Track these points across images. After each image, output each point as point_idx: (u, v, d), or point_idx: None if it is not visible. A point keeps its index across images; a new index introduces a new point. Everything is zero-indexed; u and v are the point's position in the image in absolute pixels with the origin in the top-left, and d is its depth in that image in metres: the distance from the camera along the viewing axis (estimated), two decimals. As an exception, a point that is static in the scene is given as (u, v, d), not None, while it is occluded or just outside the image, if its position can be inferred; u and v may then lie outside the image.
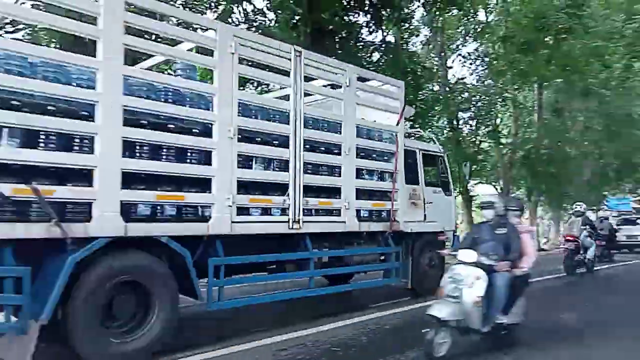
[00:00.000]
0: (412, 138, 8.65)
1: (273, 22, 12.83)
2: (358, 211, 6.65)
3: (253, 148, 5.41)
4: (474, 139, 21.23)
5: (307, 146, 5.90)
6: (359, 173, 6.67)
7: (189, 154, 4.85)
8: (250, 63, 5.61)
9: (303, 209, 5.84)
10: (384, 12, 14.52)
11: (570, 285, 10.24)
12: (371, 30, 15.38)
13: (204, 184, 4.95)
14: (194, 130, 4.89)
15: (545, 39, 16.92)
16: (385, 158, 7.19)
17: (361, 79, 6.95)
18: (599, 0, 18.89)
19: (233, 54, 5.12)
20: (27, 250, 3.82)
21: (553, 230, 30.05)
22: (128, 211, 4.36)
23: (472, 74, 21.34)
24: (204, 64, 5.34)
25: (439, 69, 19.53)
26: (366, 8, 14.15)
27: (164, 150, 4.65)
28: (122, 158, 4.28)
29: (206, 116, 4.98)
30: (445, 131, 20.79)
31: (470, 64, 20.61)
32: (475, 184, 24.49)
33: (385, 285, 7.66)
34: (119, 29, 4.23)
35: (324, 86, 7.06)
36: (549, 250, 20.68)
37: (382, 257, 7.32)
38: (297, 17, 12.39)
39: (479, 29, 17.92)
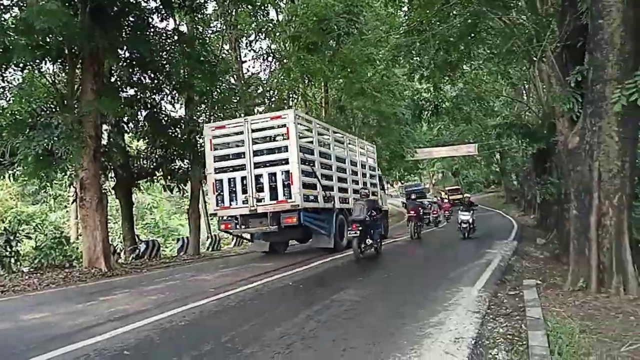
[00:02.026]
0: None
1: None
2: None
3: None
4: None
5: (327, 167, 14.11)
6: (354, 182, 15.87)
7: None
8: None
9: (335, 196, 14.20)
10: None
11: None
12: (162, 17, 14.78)
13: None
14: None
15: (329, 41, 18.72)
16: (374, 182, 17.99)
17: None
18: (370, 12, 21.74)
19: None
20: (326, 211, 13.34)
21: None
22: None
23: (265, 70, 22.29)
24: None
25: (234, 62, 19.87)
26: (154, -8, 13.55)
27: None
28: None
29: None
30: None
31: (263, 59, 21.49)
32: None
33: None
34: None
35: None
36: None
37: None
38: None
39: (270, 27, 18.79)
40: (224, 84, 17.95)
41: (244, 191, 12.28)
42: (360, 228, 11.42)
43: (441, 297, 6.98)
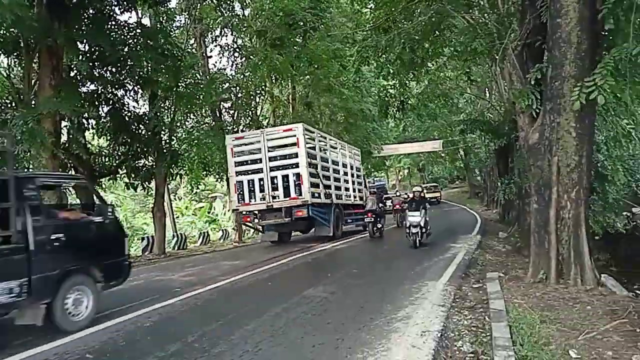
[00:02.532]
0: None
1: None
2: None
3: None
4: (236, 128, 21.96)
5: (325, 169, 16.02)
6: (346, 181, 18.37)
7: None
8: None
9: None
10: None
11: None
12: (124, 9, 14.36)
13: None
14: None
15: (295, 37, 18.63)
16: (360, 180, 20.04)
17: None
18: (336, 9, 21.76)
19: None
20: (326, 205, 15.65)
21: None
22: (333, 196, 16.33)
23: (232, 66, 21.99)
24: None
25: (199, 57, 19.53)
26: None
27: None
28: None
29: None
30: (208, 120, 20.95)
31: (229, 55, 21.19)
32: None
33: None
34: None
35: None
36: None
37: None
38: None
39: (236, 22, 18.53)
40: (189, 79, 17.62)
41: (262, 190, 14.69)
42: (374, 216, 15.77)
43: (408, 292, 7.08)
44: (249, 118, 22.20)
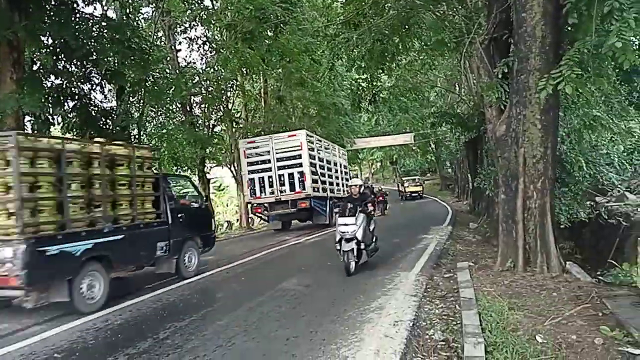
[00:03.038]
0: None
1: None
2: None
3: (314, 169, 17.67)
4: (207, 123, 21.71)
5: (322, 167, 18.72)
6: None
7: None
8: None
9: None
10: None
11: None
12: (87, 1, 13.93)
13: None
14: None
15: (266, 31, 18.45)
16: (346, 177, 22.74)
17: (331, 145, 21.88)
18: (307, 2, 21.66)
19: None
20: (323, 198, 18.22)
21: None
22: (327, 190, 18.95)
23: (202, 59, 21.66)
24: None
25: (168, 50, 19.15)
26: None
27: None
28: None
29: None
30: (178, 115, 20.62)
31: (199, 48, 20.86)
32: (212, 167, 25.20)
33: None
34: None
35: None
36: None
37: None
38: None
39: (205, 15, 18.21)
40: (158, 73, 17.26)
41: (271, 185, 17.60)
42: (383, 202, 24.36)
43: (381, 283, 7.16)
44: (220, 112, 21.94)
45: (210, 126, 22.17)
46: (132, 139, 16.77)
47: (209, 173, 23.27)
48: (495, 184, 13.16)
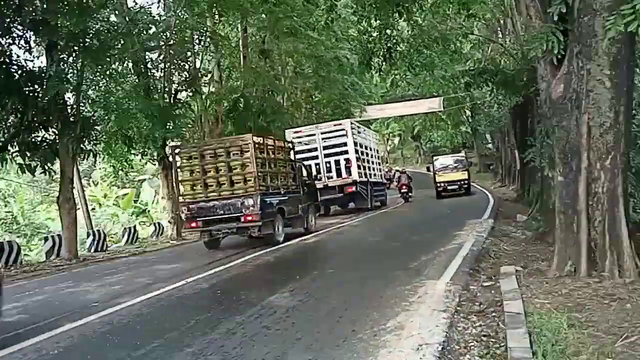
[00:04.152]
0: None
1: None
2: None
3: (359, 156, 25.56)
4: (168, 88, 21.58)
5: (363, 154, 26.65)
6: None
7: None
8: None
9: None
10: None
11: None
12: None
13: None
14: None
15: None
16: (379, 161, 32.46)
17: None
18: None
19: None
20: (365, 183, 25.52)
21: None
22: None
23: (159, 1, 21.45)
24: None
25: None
26: None
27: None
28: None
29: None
30: (129, 78, 20.50)
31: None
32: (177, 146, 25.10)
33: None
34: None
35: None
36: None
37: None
38: None
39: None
40: (99, 23, 17.12)
41: (318, 172, 23.11)
42: (408, 187, 30.33)
43: (400, 295, 7.19)
44: (186, 73, 21.83)
45: (173, 92, 22.02)
46: (69, 110, 16.73)
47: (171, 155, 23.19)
48: (550, 163, 13.14)
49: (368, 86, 38.67)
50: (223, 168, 14.32)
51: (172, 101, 21.35)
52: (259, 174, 14.11)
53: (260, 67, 25.42)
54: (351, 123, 25.39)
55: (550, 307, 6.03)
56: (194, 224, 14.61)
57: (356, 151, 24.62)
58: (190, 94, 23.15)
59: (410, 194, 31.14)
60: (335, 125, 25.22)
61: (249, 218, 13.80)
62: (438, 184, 31.01)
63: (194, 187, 14.61)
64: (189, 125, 23.72)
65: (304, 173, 18.56)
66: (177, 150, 15.59)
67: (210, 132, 23.60)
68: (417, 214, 22.11)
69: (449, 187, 30.63)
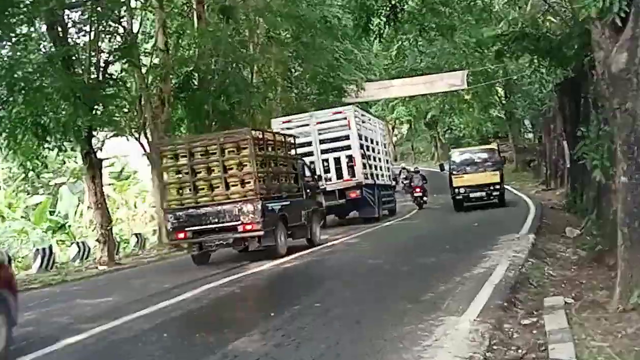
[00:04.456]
0: None
1: None
2: None
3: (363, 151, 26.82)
4: (95, 59, 21.48)
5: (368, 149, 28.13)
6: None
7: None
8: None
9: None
10: None
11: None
12: None
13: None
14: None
15: None
16: (388, 158, 34.24)
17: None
18: None
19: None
20: (371, 186, 26.68)
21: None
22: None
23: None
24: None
25: None
26: None
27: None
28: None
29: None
30: (42, 45, 20.40)
31: None
32: (105, 139, 24.91)
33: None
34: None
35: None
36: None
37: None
38: None
39: None
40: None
41: (312, 173, 22.46)
42: (422, 190, 32.04)
43: (410, 337, 7.19)
44: (119, 38, 21.72)
45: (102, 65, 21.91)
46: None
47: (100, 150, 23.11)
48: (610, 158, 13.19)
49: (366, 56, 38.65)
50: (216, 168, 15.38)
51: (100, 77, 21.25)
52: (259, 174, 15.36)
53: (220, 30, 25.33)
54: (355, 110, 26.35)
55: (612, 353, 6.05)
56: (181, 235, 15.67)
57: (361, 146, 25.44)
58: (126, 67, 23.05)
59: (425, 198, 32.56)
60: (334, 113, 25.98)
61: (249, 227, 14.87)
62: (456, 190, 28.22)
63: (181, 191, 15.72)
64: (125, 110, 23.58)
65: (307, 173, 20.43)
66: (160, 147, 17.22)
67: (153, 119, 23.37)
68: (433, 227, 21.75)
69: (472, 195, 27.97)
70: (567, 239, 15.48)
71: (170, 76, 24.60)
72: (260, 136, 16.40)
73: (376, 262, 14.75)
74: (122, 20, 21.88)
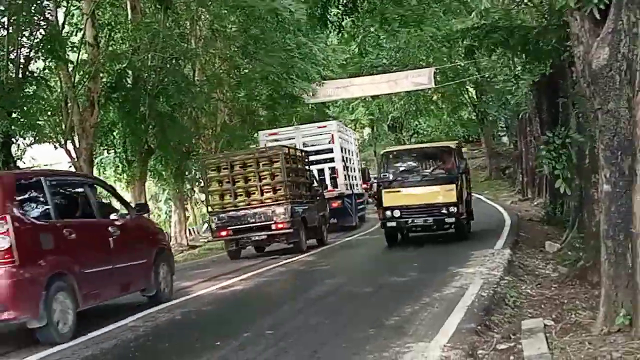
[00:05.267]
0: None
1: None
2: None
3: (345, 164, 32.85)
4: (15, 54, 21.22)
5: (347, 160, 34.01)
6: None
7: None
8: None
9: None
10: None
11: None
12: None
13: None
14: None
15: None
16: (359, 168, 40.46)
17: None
18: None
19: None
20: (349, 195, 32.22)
21: (176, 220, 33.45)
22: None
23: None
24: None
25: None
26: None
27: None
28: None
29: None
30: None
31: None
32: (27, 147, 24.57)
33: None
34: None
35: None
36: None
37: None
38: None
39: None
40: None
41: (320, 182, 27.10)
42: None
43: (373, 367, 7.18)
44: (42, 31, 21.49)
45: (22, 61, 21.63)
46: None
47: (20, 159, 22.75)
48: (572, 169, 13.34)
49: (323, 52, 38.63)
50: (253, 178, 20.77)
51: (20, 75, 20.97)
52: (288, 182, 20.69)
53: (158, 22, 25.16)
54: (337, 124, 32.84)
55: (595, 380, 6.10)
56: (224, 233, 21.26)
57: (343, 159, 30.95)
58: (50, 63, 22.77)
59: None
60: (319, 127, 32.04)
61: (280, 226, 20.25)
62: (387, 214, 20.15)
63: (223, 197, 21.18)
64: (49, 113, 23.25)
65: (315, 182, 25.51)
66: (206, 161, 23.24)
67: (81, 123, 23.03)
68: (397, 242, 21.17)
69: (411, 223, 20.38)
70: (546, 254, 15.63)
71: (101, 74, 24.34)
72: (287, 151, 21.75)
73: (334, 281, 14.70)
74: (45, 10, 21.58)
